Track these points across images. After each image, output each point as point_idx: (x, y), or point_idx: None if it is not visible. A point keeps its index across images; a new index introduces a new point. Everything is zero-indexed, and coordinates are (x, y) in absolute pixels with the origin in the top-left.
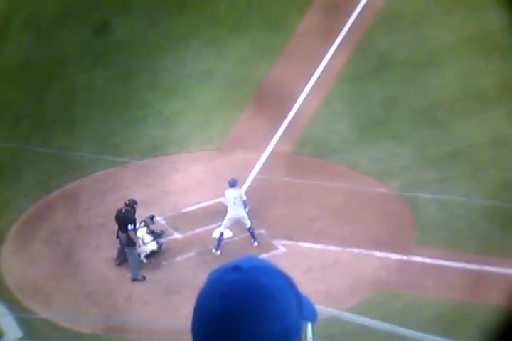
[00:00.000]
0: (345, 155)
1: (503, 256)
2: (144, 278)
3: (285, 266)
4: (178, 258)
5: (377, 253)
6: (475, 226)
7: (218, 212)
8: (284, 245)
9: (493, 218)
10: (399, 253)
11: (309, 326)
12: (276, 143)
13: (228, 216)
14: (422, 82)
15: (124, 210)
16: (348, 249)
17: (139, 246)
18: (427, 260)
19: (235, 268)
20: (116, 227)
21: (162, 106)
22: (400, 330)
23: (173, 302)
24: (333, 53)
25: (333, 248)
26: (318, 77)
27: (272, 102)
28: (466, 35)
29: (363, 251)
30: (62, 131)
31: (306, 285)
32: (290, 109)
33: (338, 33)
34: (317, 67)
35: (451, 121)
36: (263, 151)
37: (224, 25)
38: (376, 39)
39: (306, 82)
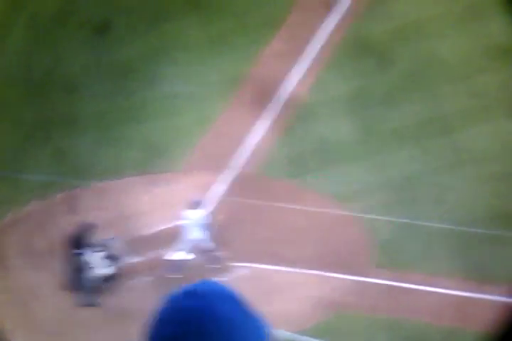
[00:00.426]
0: (308, 177)
1: (456, 278)
2: (98, 303)
3: (244, 288)
4: (135, 282)
5: (336, 275)
6: (432, 249)
7: (178, 235)
8: (243, 267)
9: (449, 241)
10: (357, 275)
11: None
12: (241, 165)
13: (188, 238)
14: (386, 107)
15: (78, 234)
16: (307, 271)
17: (94, 271)
18: (385, 282)
19: (191, 294)
20: (70, 251)
21: (124, 128)
22: None
23: (126, 328)
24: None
25: (292, 270)
26: (284, 103)
27: (236, 125)
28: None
29: (322, 273)
30: (19, 152)
31: (264, 307)
32: (255, 131)
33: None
34: (278, 93)
35: (411, 145)
36: (227, 173)
37: (193, 51)
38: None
39: (271, 107)
